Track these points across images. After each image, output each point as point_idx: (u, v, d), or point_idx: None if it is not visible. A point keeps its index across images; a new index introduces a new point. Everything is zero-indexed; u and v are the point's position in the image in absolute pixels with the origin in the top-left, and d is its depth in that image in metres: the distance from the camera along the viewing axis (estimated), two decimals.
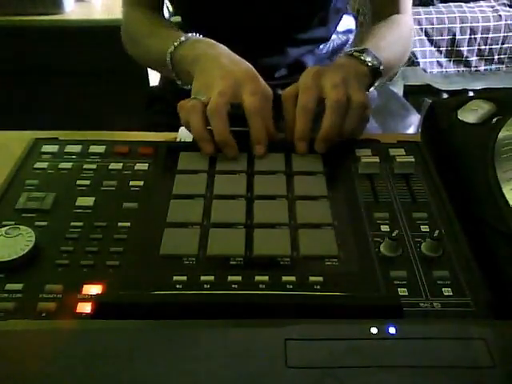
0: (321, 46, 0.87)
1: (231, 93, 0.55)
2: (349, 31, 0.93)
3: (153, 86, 0.88)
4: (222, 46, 0.64)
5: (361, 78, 0.61)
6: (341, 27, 0.91)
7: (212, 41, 0.65)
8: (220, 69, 0.58)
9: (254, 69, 0.59)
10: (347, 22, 0.92)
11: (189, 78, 0.62)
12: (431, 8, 2.41)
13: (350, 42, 0.93)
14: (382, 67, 0.64)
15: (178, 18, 0.91)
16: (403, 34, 0.78)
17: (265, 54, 0.82)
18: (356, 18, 0.97)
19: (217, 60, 0.60)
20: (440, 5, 2.44)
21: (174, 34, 0.69)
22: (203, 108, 0.54)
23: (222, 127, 0.53)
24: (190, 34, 0.67)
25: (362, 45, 0.68)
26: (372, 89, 0.67)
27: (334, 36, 0.89)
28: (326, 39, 0.87)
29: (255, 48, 0.81)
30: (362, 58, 0.63)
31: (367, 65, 0.63)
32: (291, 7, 0.79)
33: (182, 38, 0.66)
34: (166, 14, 1.03)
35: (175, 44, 0.66)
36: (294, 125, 0.56)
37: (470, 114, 0.56)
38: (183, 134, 0.62)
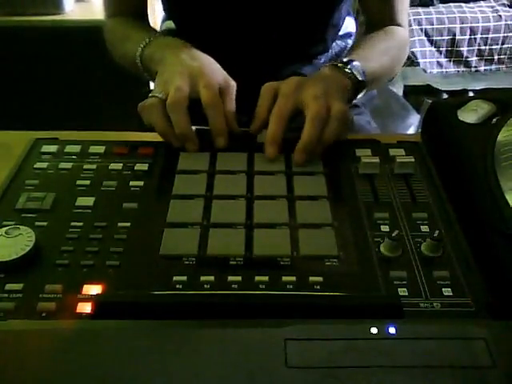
0: (319, 56, 0.87)
1: (188, 87, 0.55)
2: (348, 35, 0.91)
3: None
4: (187, 44, 0.63)
5: (342, 91, 0.60)
6: (340, 31, 0.90)
7: (178, 40, 0.65)
8: (179, 65, 0.58)
9: (213, 61, 0.60)
10: (346, 25, 0.90)
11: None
12: (431, 8, 2.41)
13: (348, 48, 0.92)
14: (365, 79, 0.63)
15: (170, 24, 0.90)
16: (395, 45, 0.76)
17: (261, 68, 0.82)
18: (356, 19, 0.96)
19: (177, 56, 0.60)
20: (440, 5, 2.43)
21: (144, 36, 0.68)
22: (163, 104, 0.55)
23: (181, 121, 0.54)
24: (158, 34, 0.68)
25: (351, 53, 0.68)
26: (356, 100, 0.66)
27: (333, 44, 0.88)
28: (325, 51, 0.87)
29: (251, 63, 0.81)
30: (347, 70, 0.62)
31: (350, 77, 0.62)
32: (288, 25, 0.78)
33: (147, 40, 0.66)
34: (160, 18, 1.02)
35: (141, 46, 0.66)
36: (262, 120, 0.56)
37: (470, 114, 0.56)
38: None
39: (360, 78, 0.63)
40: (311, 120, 0.54)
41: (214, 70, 0.58)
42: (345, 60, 0.63)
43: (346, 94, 0.61)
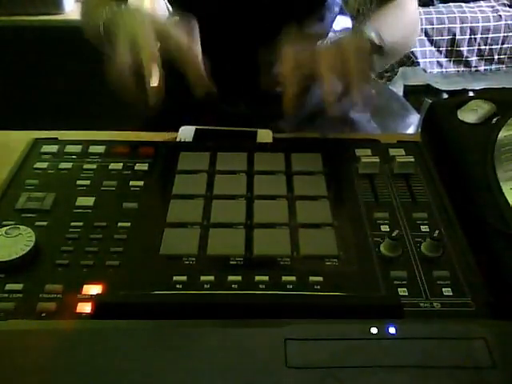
0: (318, 43, 0.87)
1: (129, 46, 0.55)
2: (346, 29, 0.93)
3: None
4: (141, 11, 0.62)
5: (361, 53, 0.58)
6: (338, 26, 0.91)
7: (134, 8, 0.64)
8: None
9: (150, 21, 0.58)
10: (344, 23, 0.92)
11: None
12: (431, 8, 2.41)
13: None
14: (385, 44, 0.62)
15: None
16: (410, 16, 0.78)
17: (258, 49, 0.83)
18: (354, 19, 0.97)
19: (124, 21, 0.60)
20: (440, 5, 2.43)
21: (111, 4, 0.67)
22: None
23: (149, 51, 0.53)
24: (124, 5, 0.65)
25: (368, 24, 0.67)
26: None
27: (331, 34, 0.89)
28: (323, 35, 0.87)
29: (252, 46, 0.81)
30: (366, 32, 0.61)
31: (369, 40, 0.61)
32: (288, 2, 0.79)
33: (115, 8, 0.64)
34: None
35: (107, 13, 0.64)
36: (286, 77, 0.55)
37: (470, 114, 0.56)
38: (183, 134, 0.62)
39: (379, 42, 0.62)
40: (324, 58, 0.54)
41: (150, 24, 0.57)
42: (362, 24, 0.63)
43: (367, 56, 0.60)
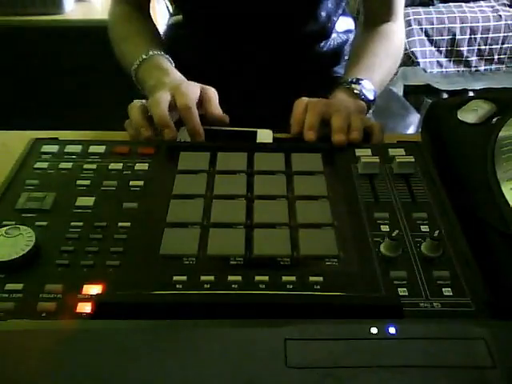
0: (321, 44, 0.88)
1: (169, 96, 0.62)
2: (349, 31, 0.93)
3: None
4: (174, 73, 0.70)
5: (360, 114, 0.66)
6: (340, 28, 0.91)
7: (166, 63, 0.72)
8: (163, 86, 0.66)
9: (191, 81, 0.67)
10: (346, 24, 0.93)
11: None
12: (431, 8, 2.41)
13: (349, 42, 0.93)
14: (375, 97, 0.70)
15: (178, 18, 0.92)
16: (395, 47, 0.82)
17: (262, 54, 0.84)
18: (355, 19, 0.97)
19: (163, 82, 0.68)
20: (440, 5, 2.43)
21: (142, 46, 0.75)
22: (142, 104, 0.63)
23: (160, 112, 0.59)
24: (150, 52, 0.73)
25: (356, 62, 0.75)
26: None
27: (334, 35, 0.89)
28: (325, 36, 0.87)
29: (252, 46, 0.82)
30: (356, 91, 0.69)
31: (362, 98, 0.69)
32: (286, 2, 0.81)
33: (143, 56, 0.73)
34: (159, 18, 1.03)
35: (137, 62, 0.73)
36: (299, 122, 0.62)
37: (470, 114, 0.56)
38: (183, 134, 0.62)
39: (371, 97, 0.69)
40: (336, 112, 0.61)
41: (189, 84, 0.65)
42: (354, 79, 0.70)
43: (363, 116, 0.67)
